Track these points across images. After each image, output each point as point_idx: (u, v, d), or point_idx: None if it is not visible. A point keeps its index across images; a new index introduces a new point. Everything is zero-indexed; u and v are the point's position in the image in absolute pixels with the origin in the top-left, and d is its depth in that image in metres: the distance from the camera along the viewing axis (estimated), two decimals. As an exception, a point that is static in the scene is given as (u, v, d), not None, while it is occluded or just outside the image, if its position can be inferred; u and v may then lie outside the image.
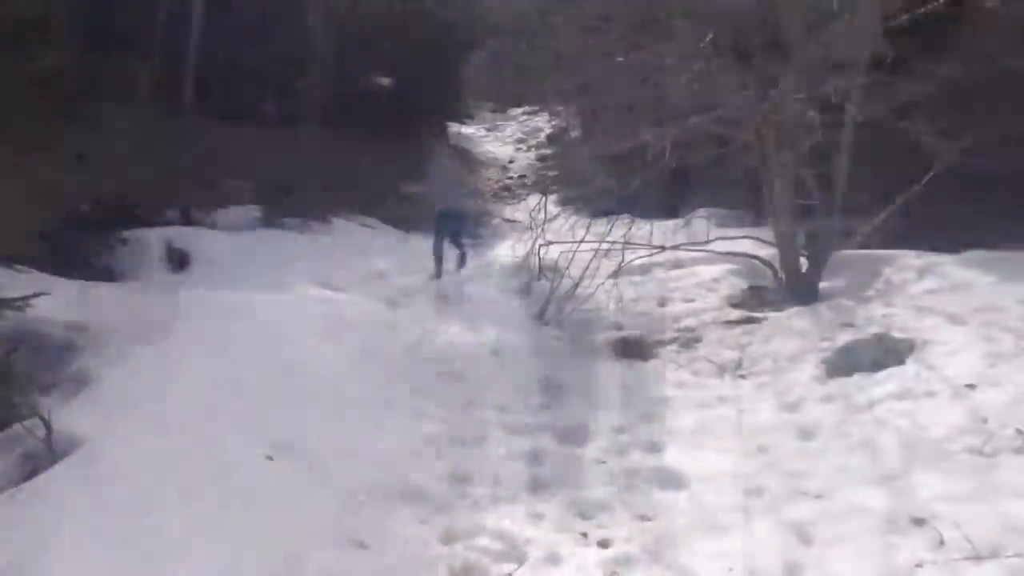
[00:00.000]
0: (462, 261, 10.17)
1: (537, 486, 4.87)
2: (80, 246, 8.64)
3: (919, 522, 4.15)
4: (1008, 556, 3.75)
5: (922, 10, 7.97)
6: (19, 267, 5.71)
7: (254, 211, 11.89)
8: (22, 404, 4.43)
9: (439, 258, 9.82)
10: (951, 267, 8.08)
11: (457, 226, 10.16)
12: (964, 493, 4.34)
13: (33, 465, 4.10)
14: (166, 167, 10.78)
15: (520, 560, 4.04)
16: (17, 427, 4.34)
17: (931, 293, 7.61)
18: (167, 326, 6.17)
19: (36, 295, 5.36)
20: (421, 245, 10.47)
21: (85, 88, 8.35)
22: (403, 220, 12.80)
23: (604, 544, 4.25)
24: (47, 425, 4.15)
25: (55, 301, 5.80)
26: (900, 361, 6.28)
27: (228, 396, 5.11)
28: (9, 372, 4.64)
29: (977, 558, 3.79)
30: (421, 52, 16.75)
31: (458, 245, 10.18)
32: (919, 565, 3.86)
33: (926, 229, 9.18)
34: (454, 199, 10.13)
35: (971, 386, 5.54)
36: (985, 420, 5.08)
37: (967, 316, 6.87)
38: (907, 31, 8.12)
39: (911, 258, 8.57)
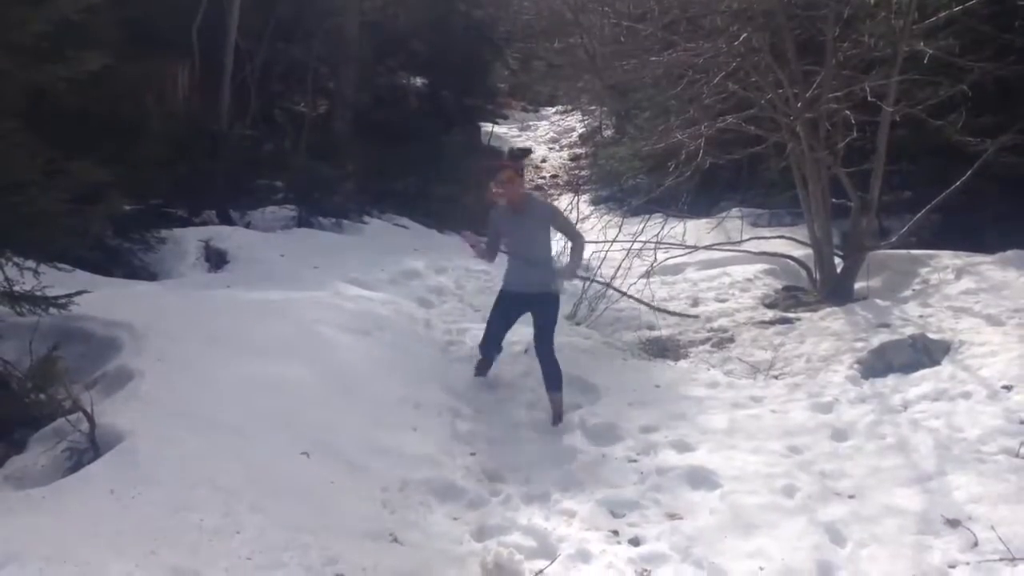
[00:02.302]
0: (555, 385, 5.99)
1: (568, 484, 4.90)
2: (121, 246, 8.82)
3: (953, 523, 4.14)
4: (1044, 559, 3.73)
5: (959, 7, 7.90)
6: (62, 266, 5.82)
7: (289, 211, 12.05)
8: (66, 399, 4.53)
9: (491, 346, 6.54)
10: (989, 267, 8.01)
11: (541, 316, 6.13)
12: (999, 495, 4.33)
13: (77, 459, 4.20)
14: (203, 167, 10.95)
15: (551, 557, 4.07)
16: (61, 421, 4.45)
17: (968, 294, 7.56)
18: (205, 324, 6.28)
19: (79, 293, 5.49)
20: (453, 241, 10.51)
21: (125, 89, 8.50)
22: (436, 220, 12.90)
23: (635, 542, 4.27)
24: (91, 420, 4.23)
25: (97, 299, 5.93)
26: (936, 362, 6.26)
27: (264, 393, 5.19)
28: (53, 368, 4.75)
29: (1012, 559, 3.78)
30: (454, 52, 16.85)
31: (545, 351, 6.05)
32: (953, 566, 3.86)
33: (963, 229, 9.11)
34: (537, 275, 6.08)
35: (1008, 387, 5.52)
36: (1021, 421, 5.07)
37: (1004, 317, 6.82)
38: (944, 28, 8.05)
39: (948, 258, 8.50)
